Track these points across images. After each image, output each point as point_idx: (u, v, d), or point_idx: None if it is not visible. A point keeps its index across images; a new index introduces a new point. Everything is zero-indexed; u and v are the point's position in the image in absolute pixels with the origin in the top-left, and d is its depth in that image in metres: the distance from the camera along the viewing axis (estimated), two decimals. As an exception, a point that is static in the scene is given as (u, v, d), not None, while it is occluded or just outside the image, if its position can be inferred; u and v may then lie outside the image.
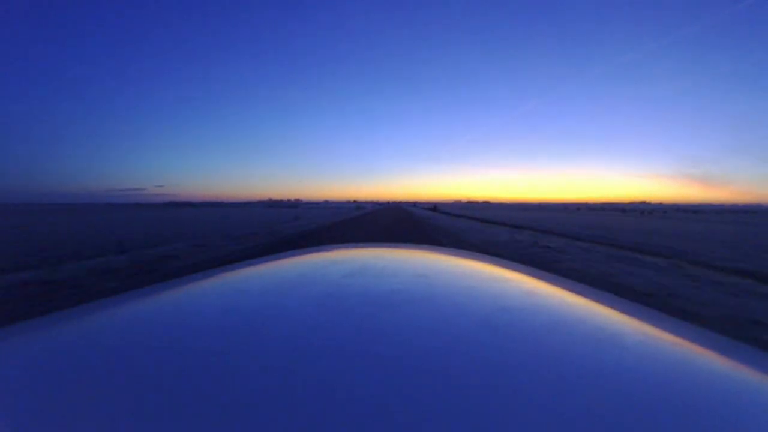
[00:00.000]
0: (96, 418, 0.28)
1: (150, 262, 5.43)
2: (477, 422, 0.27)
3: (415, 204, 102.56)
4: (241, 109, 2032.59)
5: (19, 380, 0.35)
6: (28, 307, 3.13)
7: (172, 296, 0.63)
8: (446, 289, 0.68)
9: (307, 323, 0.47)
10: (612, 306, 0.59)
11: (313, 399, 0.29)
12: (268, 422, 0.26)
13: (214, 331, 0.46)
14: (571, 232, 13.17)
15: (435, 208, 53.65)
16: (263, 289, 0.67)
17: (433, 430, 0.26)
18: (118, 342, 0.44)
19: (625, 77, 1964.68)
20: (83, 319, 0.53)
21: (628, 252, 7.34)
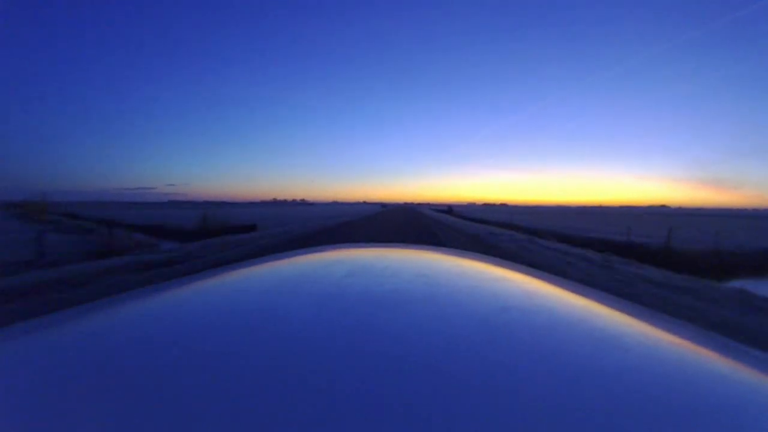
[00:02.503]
0: (97, 418, 0.28)
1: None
2: (477, 422, 0.27)
3: (450, 209, 57.55)
4: (251, 108, 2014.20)
5: (19, 380, 0.35)
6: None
7: (172, 296, 0.64)
8: (446, 289, 0.69)
9: (307, 323, 0.47)
10: (612, 306, 0.60)
11: (313, 399, 0.30)
12: (268, 422, 0.27)
13: (215, 331, 0.47)
14: None
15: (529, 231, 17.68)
16: (264, 289, 0.68)
17: (434, 430, 0.26)
18: (119, 342, 0.44)
19: (635, 79, 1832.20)
20: (83, 319, 0.53)
21: None
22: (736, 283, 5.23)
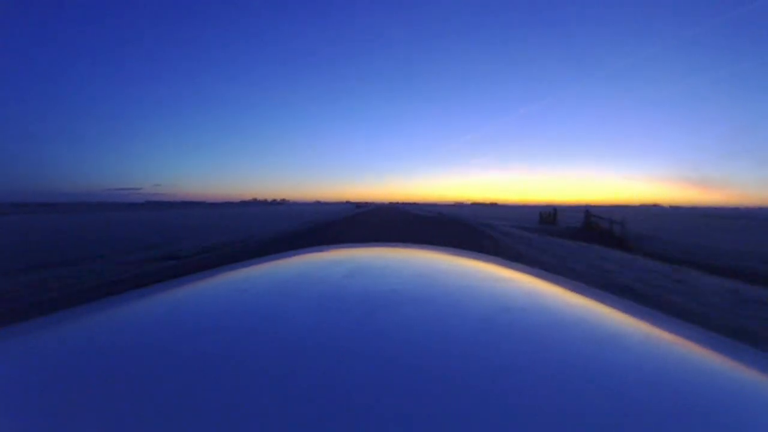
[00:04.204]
0: (97, 418, 0.29)
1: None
2: (477, 422, 0.27)
3: (552, 213, 21.44)
4: (240, 107, 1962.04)
5: (19, 380, 0.36)
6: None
7: (172, 296, 0.65)
8: (446, 289, 0.69)
9: (307, 323, 0.48)
10: (612, 306, 0.61)
11: (313, 399, 0.30)
12: (268, 422, 0.27)
13: (214, 330, 0.47)
14: None
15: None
16: (263, 289, 0.69)
17: (434, 430, 0.26)
18: (119, 342, 0.45)
19: (625, 80, 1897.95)
20: (83, 319, 0.54)
21: None
22: None
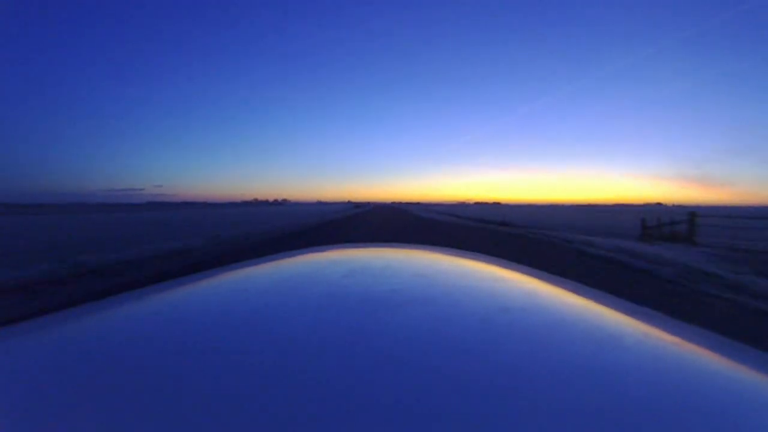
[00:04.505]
0: (96, 418, 0.29)
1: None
2: (477, 422, 0.27)
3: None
4: (241, 108, 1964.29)
5: (19, 380, 0.36)
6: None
7: (172, 296, 0.66)
8: (446, 289, 0.70)
9: (307, 323, 0.48)
10: (612, 306, 0.61)
11: (313, 399, 0.30)
12: (268, 422, 0.27)
13: (214, 331, 0.47)
14: None
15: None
16: (263, 289, 0.70)
17: (434, 430, 0.26)
18: (119, 342, 0.45)
19: (626, 79, 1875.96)
20: (83, 319, 0.54)
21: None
22: None
